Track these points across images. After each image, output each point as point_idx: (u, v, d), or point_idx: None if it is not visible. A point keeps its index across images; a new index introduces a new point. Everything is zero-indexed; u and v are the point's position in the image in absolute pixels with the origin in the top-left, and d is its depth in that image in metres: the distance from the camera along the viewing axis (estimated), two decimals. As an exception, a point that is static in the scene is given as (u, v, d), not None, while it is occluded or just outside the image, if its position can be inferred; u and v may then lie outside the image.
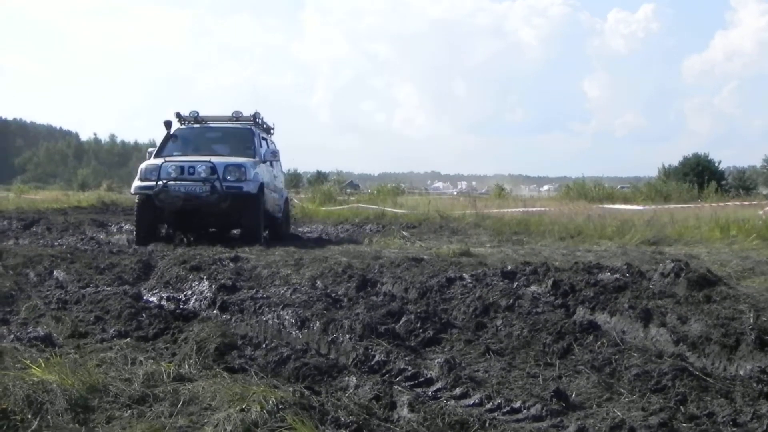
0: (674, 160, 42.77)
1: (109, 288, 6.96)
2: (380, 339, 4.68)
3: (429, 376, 4.06)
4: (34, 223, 16.81)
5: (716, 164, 39.45)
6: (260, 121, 14.94)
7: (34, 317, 5.79)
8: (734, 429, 3.19)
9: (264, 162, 13.72)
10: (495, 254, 10.20)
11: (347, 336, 4.74)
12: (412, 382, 4.01)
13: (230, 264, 8.55)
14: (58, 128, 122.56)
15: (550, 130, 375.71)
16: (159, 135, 14.83)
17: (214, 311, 6.03)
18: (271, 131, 15.64)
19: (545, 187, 62.60)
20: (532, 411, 3.43)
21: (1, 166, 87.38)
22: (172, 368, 3.98)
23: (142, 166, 12.89)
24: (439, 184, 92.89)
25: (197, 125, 14.66)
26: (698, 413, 3.35)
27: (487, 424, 3.26)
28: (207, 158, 12.69)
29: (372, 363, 4.32)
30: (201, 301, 6.43)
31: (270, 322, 5.31)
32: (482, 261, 8.70)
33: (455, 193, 54.82)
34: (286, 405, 3.19)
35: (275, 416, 3.10)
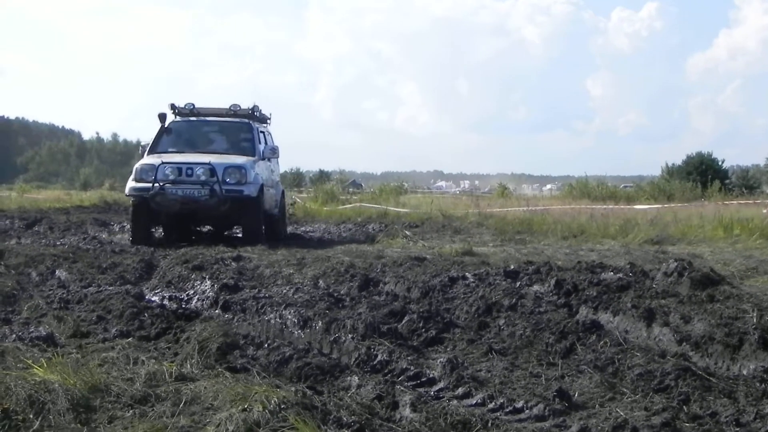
0: (678, 159, 42.78)
1: (111, 287, 6.96)
2: (383, 338, 4.68)
3: (431, 375, 4.06)
4: (37, 223, 16.81)
5: (720, 163, 39.39)
6: (258, 114, 14.20)
7: (36, 317, 5.80)
8: (737, 429, 3.19)
9: (263, 159, 13.20)
10: (498, 253, 10.19)
11: (350, 335, 4.74)
12: (414, 382, 4.00)
13: (232, 263, 8.55)
14: (60, 127, 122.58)
15: (553, 128, 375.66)
16: (161, 133, 14.10)
17: (217, 311, 6.03)
18: (268, 121, 14.83)
19: (548, 186, 62.55)
20: (535, 411, 3.42)
21: (3, 166, 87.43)
22: (174, 368, 3.98)
23: (137, 165, 12.33)
24: (442, 183, 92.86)
25: (193, 119, 13.95)
26: (701, 413, 3.35)
27: (489, 424, 3.25)
28: (206, 159, 12.18)
29: (374, 363, 4.32)
30: (203, 300, 6.43)
31: (272, 321, 5.31)
32: (485, 260, 8.69)
33: (458, 192, 54.85)
34: (288, 405, 3.18)
35: (277, 416, 3.09)
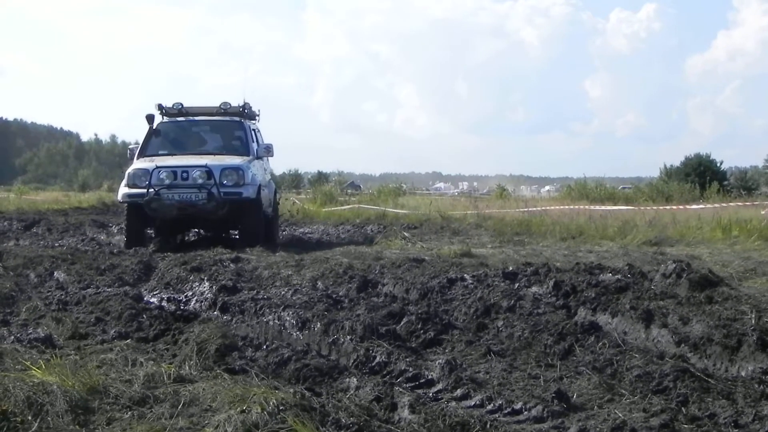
0: (676, 161, 42.73)
1: (109, 289, 6.96)
2: (381, 340, 4.68)
3: (430, 377, 4.05)
4: (35, 224, 16.82)
5: (718, 164, 39.39)
6: (248, 111, 13.65)
7: (35, 318, 5.79)
8: (736, 430, 3.19)
9: (258, 158, 12.77)
10: (496, 255, 10.19)
11: (348, 337, 4.74)
12: (413, 384, 4.00)
13: (231, 265, 8.55)
14: (58, 129, 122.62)
15: (551, 130, 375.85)
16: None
17: (215, 312, 6.02)
18: (257, 117, 14.20)
19: (546, 188, 62.59)
20: (533, 412, 3.42)
21: (1, 167, 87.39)
22: (173, 369, 3.98)
23: (130, 170, 11.84)
24: (441, 185, 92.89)
25: (182, 119, 13.38)
26: (700, 414, 3.35)
27: (488, 426, 3.25)
28: (201, 160, 11.81)
29: (373, 364, 4.32)
30: (202, 302, 6.43)
31: (271, 323, 5.31)
32: (483, 262, 8.69)
33: (456, 194, 54.81)
34: (286, 406, 3.18)
35: (276, 417, 3.09)
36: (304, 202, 28.07)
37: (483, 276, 6.87)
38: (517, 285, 6.44)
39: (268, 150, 13.25)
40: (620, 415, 3.33)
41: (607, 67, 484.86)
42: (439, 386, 3.93)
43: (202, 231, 13.62)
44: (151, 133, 12.75)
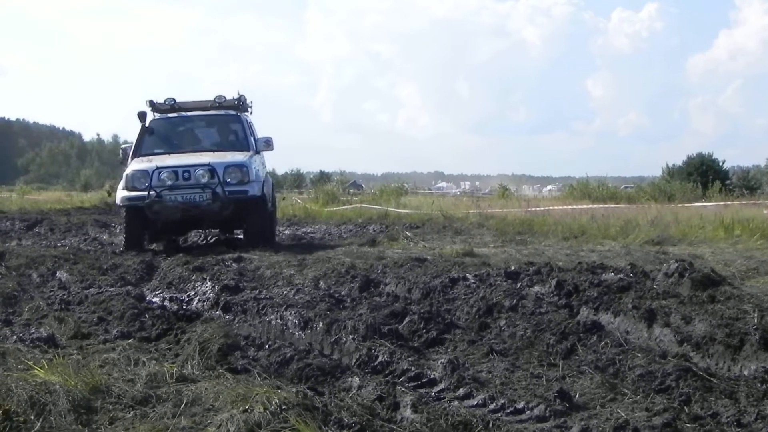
0: (678, 160, 42.59)
1: (112, 289, 6.97)
2: (383, 339, 4.68)
3: (432, 376, 4.05)
4: (37, 224, 16.84)
5: (720, 164, 39.32)
6: (243, 104, 12.92)
7: (37, 318, 5.80)
8: (738, 429, 3.19)
9: (257, 153, 12.17)
10: (498, 254, 10.18)
11: (350, 336, 4.74)
12: (415, 383, 4.00)
13: (233, 264, 8.55)
14: (60, 128, 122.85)
15: (553, 129, 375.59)
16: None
17: (217, 312, 6.03)
18: (249, 110, 13.26)
19: (548, 187, 62.49)
20: (536, 411, 3.42)
21: (3, 167, 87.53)
22: (175, 369, 3.98)
23: (128, 172, 11.16)
24: (443, 184, 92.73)
25: (176, 115, 12.77)
26: (702, 414, 3.34)
27: (490, 425, 3.25)
28: (204, 159, 11.27)
29: (375, 363, 4.32)
30: (204, 301, 6.44)
31: (273, 322, 5.31)
32: (486, 261, 8.68)
33: (459, 193, 54.77)
34: (289, 406, 3.18)
35: (278, 417, 3.09)
36: (306, 201, 28.08)
37: (485, 275, 6.87)
38: (519, 284, 6.44)
39: (268, 144, 12.51)
40: (623, 414, 3.33)
41: (608, 67, 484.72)
42: (442, 386, 3.93)
43: (201, 234, 13.40)
44: (144, 132, 12.12)
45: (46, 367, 3.91)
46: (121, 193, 11.21)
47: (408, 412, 3.39)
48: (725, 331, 4.30)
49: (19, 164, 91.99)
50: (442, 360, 4.22)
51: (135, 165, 11.34)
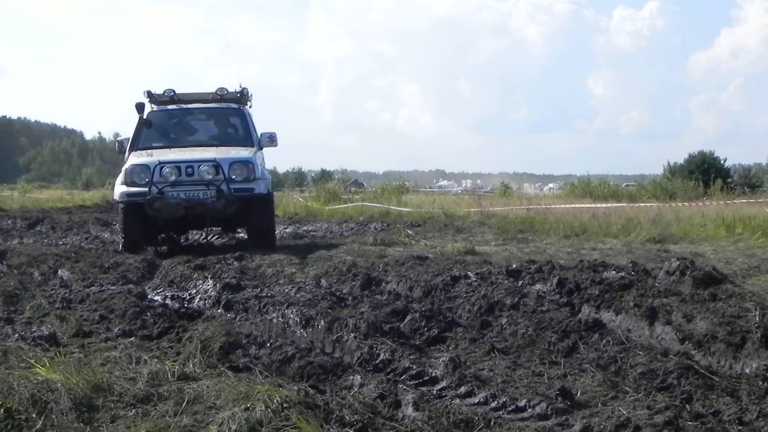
0: (680, 158, 42.56)
1: (113, 287, 6.97)
2: (385, 338, 4.68)
3: (434, 374, 4.05)
4: (39, 222, 16.84)
5: (722, 162, 39.29)
6: (245, 97, 12.20)
7: (39, 316, 5.81)
8: (740, 427, 3.18)
9: (260, 149, 11.51)
10: (500, 252, 10.19)
11: (352, 335, 4.74)
12: (416, 381, 4.00)
13: (234, 263, 8.56)
14: (62, 127, 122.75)
15: (554, 127, 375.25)
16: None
17: (219, 310, 6.03)
18: (249, 103, 12.43)
19: (550, 185, 62.46)
20: (537, 409, 3.42)
21: (5, 166, 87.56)
22: (177, 367, 3.99)
23: (127, 166, 10.49)
24: (444, 183, 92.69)
25: (175, 107, 12.06)
26: (704, 412, 3.34)
27: (492, 423, 3.25)
28: (208, 154, 10.67)
29: (377, 362, 4.32)
30: (205, 300, 6.44)
31: (274, 320, 5.31)
32: (487, 259, 8.68)
33: (460, 192, 54.79)
34: (290, 404, 3.18)
35: (280, 415, 3.09)
36: (308, 200, 28.07)
37: (487, 273, 6.87)
38: (520, 282, 6.44)
39: (272, 139, 11.75)
40: (624, 412, 3.33)
41: (610, 65, 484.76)
42: (443, 384, 3.93)
43: (201, 233, 12.92)
44: (142, 124, 11.43)
45: (48, 365, 3.92)
46: (119, 189, 10.54)
47: (409, 410, 3.39)
48: (727, 329, 4.30)
49: (20, 163, 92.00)
50: (444, 358, 4.21)
51: (135, 159, 10.69)
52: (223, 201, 10.18)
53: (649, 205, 18.34)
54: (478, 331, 5.10)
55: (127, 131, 11.41)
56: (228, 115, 12.13)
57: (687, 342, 4.37)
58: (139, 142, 11.29)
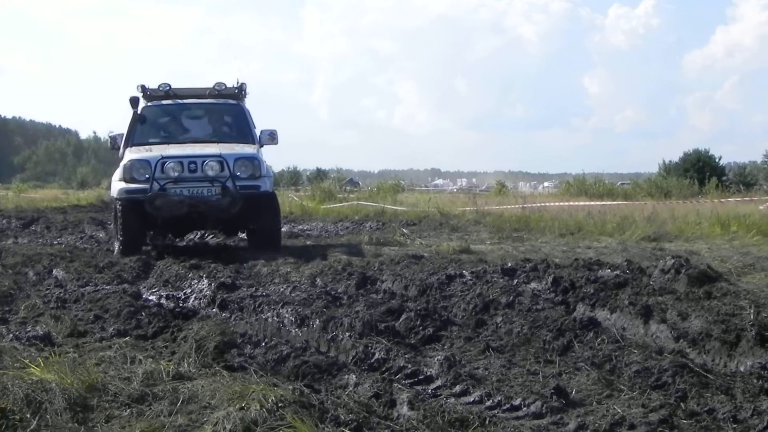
0: (675, 156, 42.76)
1: (108, 287, 6.95)
2: (380, 337, 4.68)
3: (429, 373, 4.05)
4: (33, 222, 16.80)
5: (717, 160, 39.37)
6: (243, 92, 11.70)
7: (33, 316, 5.79)
8: (734, 425, 3.19)
9: (261, 146, 10.97)
10: (495, 251, 10.19)
11: (347, 334, 4.74)
12: (411, 380, 4.00)
13: (229, 262, 8.54)
14: (57, 126, 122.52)
15: (550, 126, 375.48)
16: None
17: (214, 309, 6.02)
18: (245, 98, 11.90)
19: (545, 184, 62.56)
20: (532, 408, 3.42)
21: (0, 165, 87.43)
22: (172, 367, 3.98)
23: (126, 162, 9.89)
24: (439, 181, 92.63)
25: (170, 102, 11.50)
26: (698, 410, 3.35)
27: (487, 422, 3.25)
28: (213, 149, 10.16)
29: (372, 361, 4.31)
30: (200, 299, 6.43)
31: (269, 320, 5.31)
32: (482, 258, 8.69)
33: (455, 190, 54.81)
34: (285, 403, 3.18)
35: (275, 414, 3.09)
36: (303, 199, 28.06)
37: (482, 272, 6.87)
38: (515, 281, 6.45)
39: (273, 137, 11.17)
40: (619, 410, 3.33)
41: (605, 63, 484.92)
42: (438, 382, 3.93)
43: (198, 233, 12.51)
44: (136, 119, 10.82)
45: (42, 365, 3.91)
46: (117, 185, 9.96)
47: (405, 409, 3.38)
48: (721, 327, 4.31)
49: (15, 162, 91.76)
50: (439, 357, 4.21)
51: (134, 154, 10.11)
52: (228, 199, 9.65)
53: (644, 203, 18.36)
54: (473, 330, 5.11)
55: (124, 129, 11.02)
56: (227, 111, 11.62)
57: (682, 340, 4.38)
58: (134, 138, 10.71)
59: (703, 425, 3.20)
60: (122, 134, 10.97)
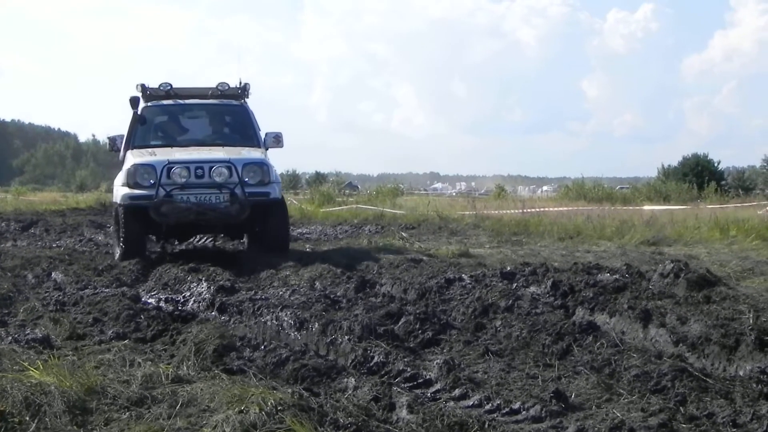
0: (673, 160, 42.79)
1: (107, 290, 6.95)
2: (379, 340, 4.68)
3: (428, 377, 4.05)
4: (32, 225, 16.79)
5: (716, 164, 39.44)
6: (246, 93, 11.26)
7: (32, 319, 5.79)
8: (734, 429, 3.19)
9: (266, 149, 10.54)
10: (494, 255, 10.19)
11: (346, 337, 4.74)
12: (411, 384, 4.00)
13: (229, 265, 8.53)
14: (56, 129, 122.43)
15: (548, 130, 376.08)
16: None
17: (213, 313, 6.02)
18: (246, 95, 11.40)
19: (544, 188, 62.61)
20: (532, 412, 3.42)
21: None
22: (171, 370, 3.98)
23: (130, 167, 9.46)
24: (438, 185, 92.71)
25: (171, 102, 11.04)
26: (698, 414, 3.35)
27: (486, 426, 3.25)
28: (220, 154, 9.78)
29: (371, 364, 4.31)
30: (199, 302, 6.43)
31: (269, 323, 5.30)
32: (481, 262, 8.69)
33: (454, 194, 54.86)
34: (284, 406, 3.18)
35: (274, 418, 3.09)
36: (302, 202, 28.06)
37: (481, 276, 6.88)
38: (515, 285, 6.45)
39: (278, 140, 10.71)
40: (618, 414, 3.33)
41: (604, 68, 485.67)
42: (437, 386, 3.93)
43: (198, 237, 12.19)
44: (137, 119, 10.40)
45: (42, 368, 3.90)
46: (121, 191, 9.52)
47: (404, 413, 3.38)
48: (721, 332, 4.31)
49: (14, 165, 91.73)
50: (438, 360, 4.21)
51: (138, 158, 9.66)
52: (236, 206, 9.30)
53: (643, 207, 18.38)
54: (473, 334, 5.10)
55: (123, 131, 10.73)
56: (231, 113, 11.19)
57: (681, 344, 4.38)
58: (134, 140, 10.32)
59: (702, 429, 3.20)
60: (122, 135, 10.59)
